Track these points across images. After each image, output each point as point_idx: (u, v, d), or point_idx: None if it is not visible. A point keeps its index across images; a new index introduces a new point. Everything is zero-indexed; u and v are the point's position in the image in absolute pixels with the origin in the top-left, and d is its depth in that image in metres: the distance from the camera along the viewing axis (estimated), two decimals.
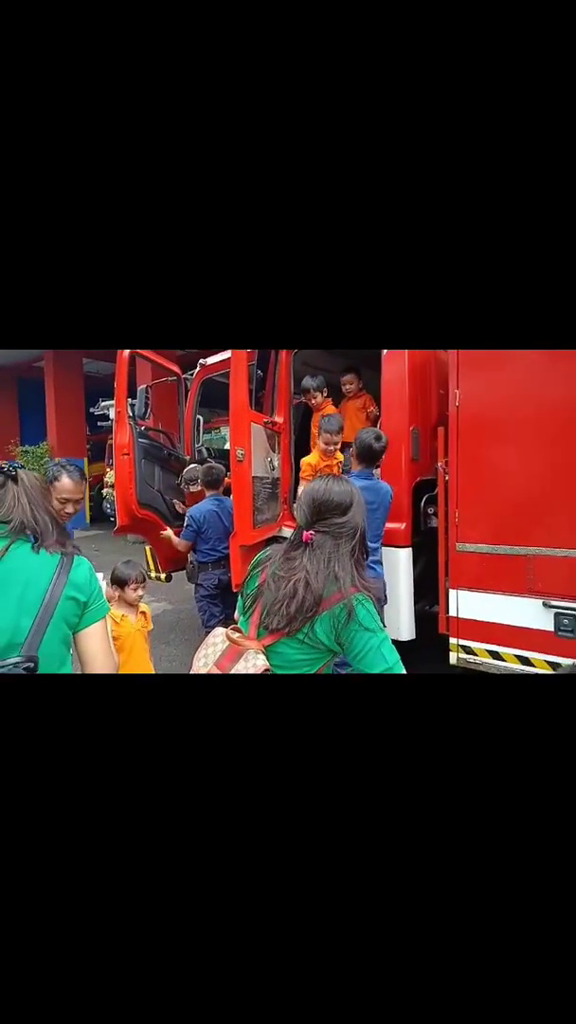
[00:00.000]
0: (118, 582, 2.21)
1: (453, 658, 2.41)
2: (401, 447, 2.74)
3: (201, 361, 4.08)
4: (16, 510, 1.07)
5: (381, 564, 2.48)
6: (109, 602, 2.18)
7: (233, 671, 1.10)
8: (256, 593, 1.24)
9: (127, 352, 3.31)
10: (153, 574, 4.06)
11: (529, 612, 2.17)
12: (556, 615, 2.09)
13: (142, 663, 2.25)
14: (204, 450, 4.48)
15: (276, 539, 3.07)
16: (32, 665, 0.98)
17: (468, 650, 2.37)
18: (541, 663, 2.15)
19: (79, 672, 1.12)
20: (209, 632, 1.30)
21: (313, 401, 3.32)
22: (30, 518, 1.07)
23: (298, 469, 3.41)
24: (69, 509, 1.99)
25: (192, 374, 4.19)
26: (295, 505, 3.33)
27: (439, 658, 2.47)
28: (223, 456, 4.63)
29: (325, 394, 3.33)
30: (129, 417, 3.32)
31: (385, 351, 2.80)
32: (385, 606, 2.50)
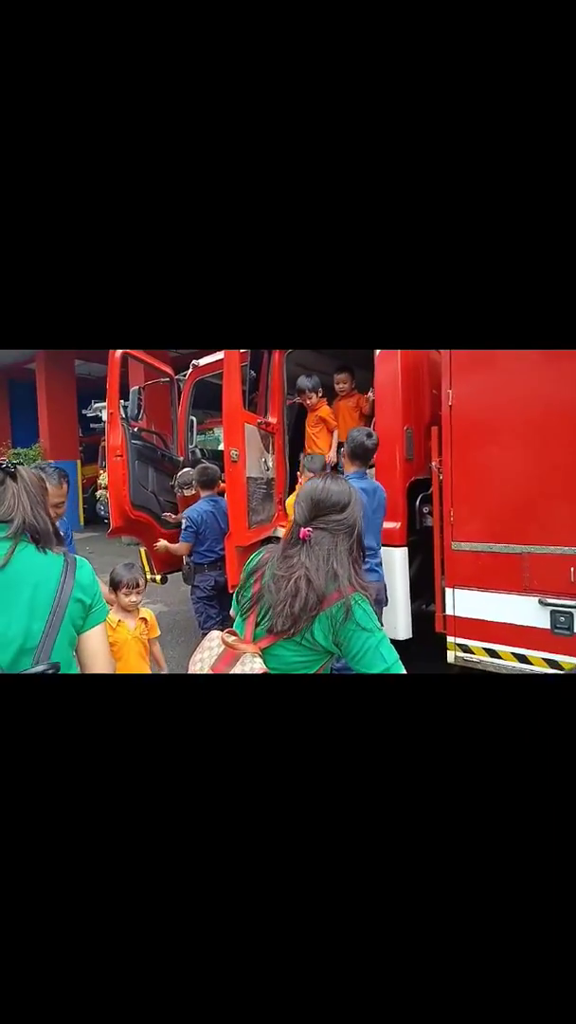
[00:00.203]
0: (113, 585, 2.15)
1: (451, 657, 2.42)
2: (395, 447, 2.75)
3: (194, 362, 4.07)
4: (17, 510, 1.03)
5: (382, 566, 2.47)
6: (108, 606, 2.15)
7: (230, 674, 1.09)
8: (255, 595, 1.23)
9: (119, 353, 3.30)
10: (148, 576, 4.05)
11: (525, 610, 2.17)
12: (552, 612, 2.10)
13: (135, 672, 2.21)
14: (198, 451, 4.46)
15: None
16: (56, 673, 0.97)
17: (465, 648, 2.37)
18: (539, 661, 2.16)
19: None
20: (205, 635, 1.29)
21: (308, 401, 3.31)
22: (31, 518, 1.04)
23: (293, 469, 3.41)
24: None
25: (185, 375, 4.17)
26: (293, 501, 3.34)
27: (436, 657, 2.47)
28: (217, 457, 4.61)
29: (320, 394, 3.33)
30: (122, 419, 3.31)
31: (378, 351, 2.80)
32: (385, 607, 2.50)
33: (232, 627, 1.26)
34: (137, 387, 3.68)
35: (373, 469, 2.92)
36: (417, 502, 2.76)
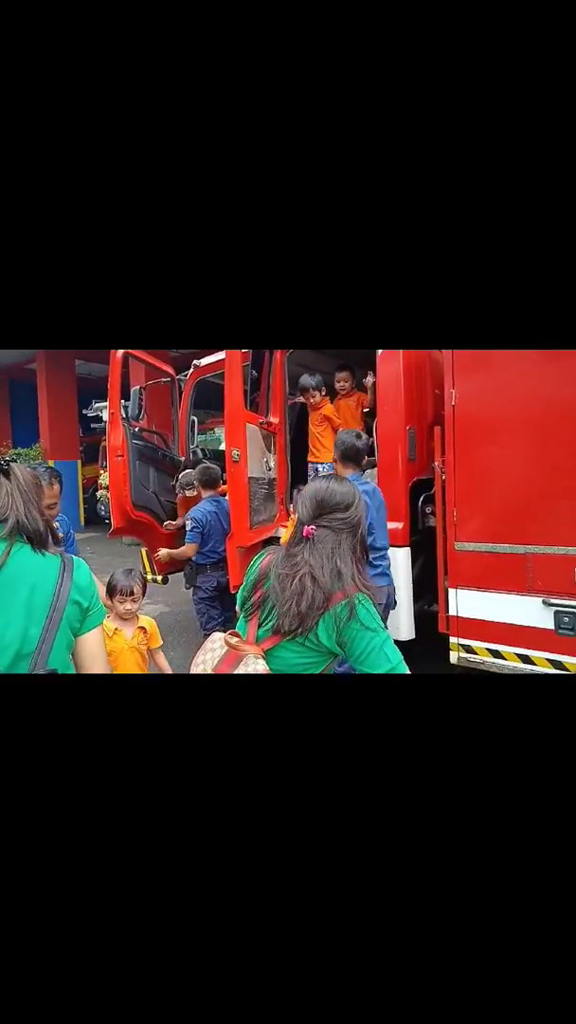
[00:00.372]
0: (108, 591, 2.03)
1: (454, 657, 2.41)
2: (398, 447, 2.74)
3: (195, 362, 4.06)
4: (11, 509, 1.00)
5: (391, 568, 2.44)
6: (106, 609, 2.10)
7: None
8: (258, 598, 1.22)
9: (120, 353, 3.29)
10: (149, 576, 4.04)
11: (529, 610, 2.16)
12: (556, 613, 2.09)
13: None
14: (199, 451, 4.45)
15: (273, 540, 3.06)
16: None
17: (469, 649, 2.36)
18: (542, 661, 2.15)
19: None
20: (207, 636, 1.29)
21: (312, 400, 3.31)
22: (24, 517, 1.01)
23: (295, 470, 3.40)
24: None
25: (186, 375, 4.16)
26: (295, 499, 3.33)
27: (439, 657, 2.46)
28: (218, 457, 4.60)
29: (323, 392, 3.32)
30: (123, 419, 3.30)
31: (380, 351, 2.79)
32: (400, 613, 2.48)
33: (234, 628, 1.25)
34: (138, 387, 3.67)
35: (375, 470, 2.91)
36: (420, 502, 2.75)
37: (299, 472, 3.47)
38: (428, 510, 2.73)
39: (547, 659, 2.14)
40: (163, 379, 4.25)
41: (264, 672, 1.08)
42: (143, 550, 3.87)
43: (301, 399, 3.64)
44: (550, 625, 2.11)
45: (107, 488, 8.87)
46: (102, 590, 2.00)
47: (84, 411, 10.04)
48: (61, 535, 2.07)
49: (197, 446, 4.45)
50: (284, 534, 2.77)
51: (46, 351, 9.58)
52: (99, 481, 9.96)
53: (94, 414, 9.57)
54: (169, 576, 3.89)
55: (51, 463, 9.02)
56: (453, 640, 2.40)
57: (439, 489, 2.51)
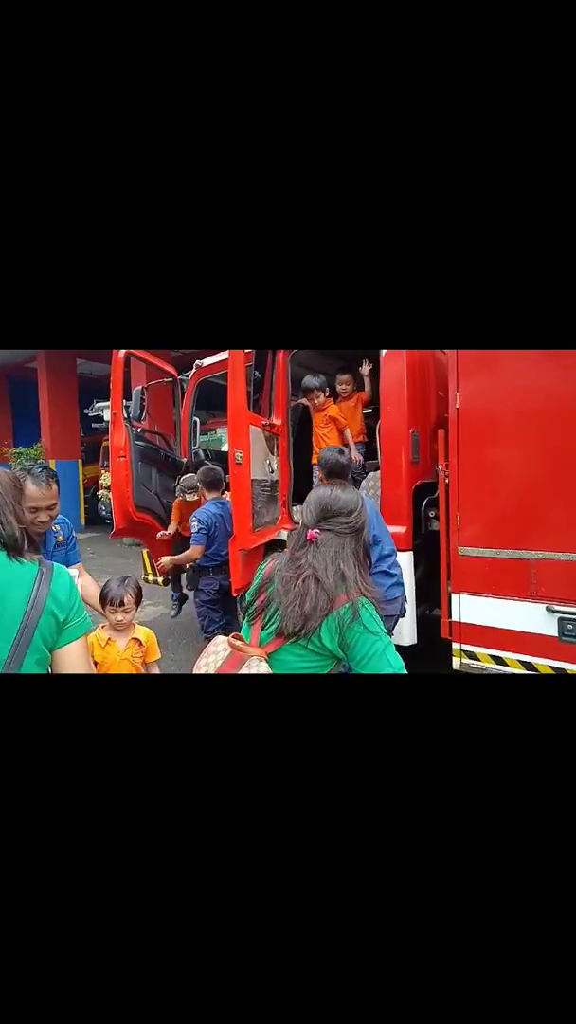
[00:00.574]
0: (100, 599, 1.94)
1: (456, 663, 2.39)
2: (400, 450, 2.72)
3: (197, 362, 4.05)
4: None
5: (402, 583, 2.38)
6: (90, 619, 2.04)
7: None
8: (261, 602, 1.23)
9: (123, 353, 3.27)
10: (150, 578, 4.02)
11: (533, 617, 2.15)
12: (560, 620, 2.07)
13: None
14: (201, 452, 4.44)
15: (276, 542, 3.05)
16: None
17: (471, 655, 2.34)
18: (545, 668, 2.13)
19: None
20: (209, 640, 1.28)
21: (316, 401, 3.29)
22: None
23: (297, 472, 3.38)
24: (42, 518, 1.78)
25: (188, 376, 4.15)
26: (298, 507, 3.32)
27: (442, 663, 2.44)
28: (219, 458, 4.59)
29: (327, 393, 3.31)
30: (125, 419, 3.28)
31: (383, 353, 2.77)
32: (403, 619, 2.46)
33: (237, 632, 1.25)
34: (140, 387, 3.65)
35: (378, 472, 2.90)
36: (423, 506, 2.74)
37: (301, 474, 3.45)
38: (431, 514, 2.71)
39: (550, 666, 2.12)
40: (165, 379, 4.23)
41: (266, 673, 1.09)
42: (144, 551, 3.85)
43: (304, 401, 3.63)
44: (554, 632, 2.09)
45: (108, 488, 8.88)
46: (95, 592, 1.96)
47: (85, 411, 10.02)
48: (62, 537, 2.05)
49: (199, 447, 4.43)
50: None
51: (47, 351, 9.58)
52: (100, 481, 9.95)
53: (95, 414, 9.56)
54: (169, 578, 3.88)
55: (52, 463, 9.01)
56: (456, 646, 2.39)
57: (442, 493, 2.50)
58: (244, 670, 1.10)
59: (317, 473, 2.40)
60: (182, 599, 4.02)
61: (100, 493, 9.89)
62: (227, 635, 1.21)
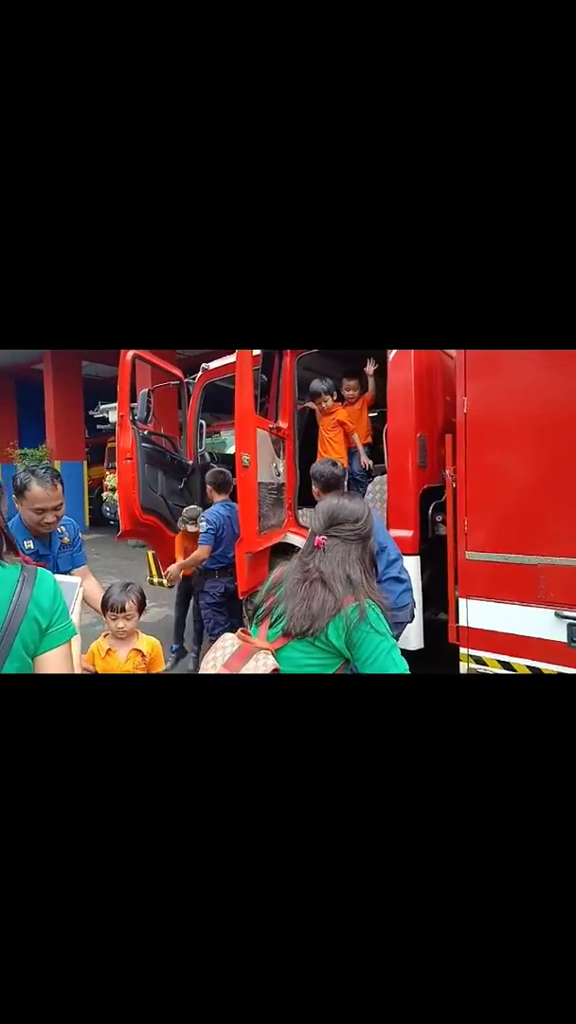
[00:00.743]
0: (101, 605, 1.87)
1: (463, 668, 2.38)
2: (408, 454, 2.72)
3: (204, 365, 4.05)
4: None
5: (412, 589, 2.38)
6: (102, 632, 1.94)
7: (243, 671, 1.11)
8: (271, 603, 1.27)
9: (130, 355, 3.28)
10: (155, 580, 4.02)
11: (541, 622, 2.13)
12: (569, 626, 2.06)
13: None
14: (207, 454, 4.44)
15: (282, 545, 3.04)
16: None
17: (479, 660, 2.33)
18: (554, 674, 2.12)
19: None
20: (216, 639, 1.32)
21: (324, 405, 3.29)
22: None
23: (303, 475, 3.38)
24: (48, 519, 1.76)
25: (194, 378, 4.15)
26: (304, 510, 3.33)
27: (449, 668, 2.43)
28: (225, 461, 4.60)
29: (335, 397, 3.30)
30: (132, 421, 3.29)
31: (391, 357, 2.77)
32: (410, 624, 2.44)
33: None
34: (146, 389, 3.66)
35: (384, 477, 2.89)
36: (430, 510, 2.73)
37: (307, 478, 3.45)
38: (438, 518, 2.71)
39: (559, 672, 2.11)
40: (172, 382, 4.24)
41: (274, 667, 1.11)
42: (149, 553, 3.85)
43: (310, 404, 3.63)
44: (562, 638, 2.08)
45: (113, 490, 8.89)
46: (100, 596, 1.91)
47: (90, 412, 10.07)
48: (68, 538, 2.04)
49: (205, 450, 4.44)
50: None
51: (53, 352, 9.61)
52: (104, 483, 9.97)
53: (100, 415, 9.60)
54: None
55: (57, 464, 9.04)
56: (463, 651, 2.38)
57: (450, 497, 2.49)
58: (252, 663, 1.12)
59: (314, 488, 2.37)
60: (181, 653, 3.83)
61: (105, 495, 9.92)
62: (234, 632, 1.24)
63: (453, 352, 2.88)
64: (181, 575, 3.22)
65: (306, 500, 3.40)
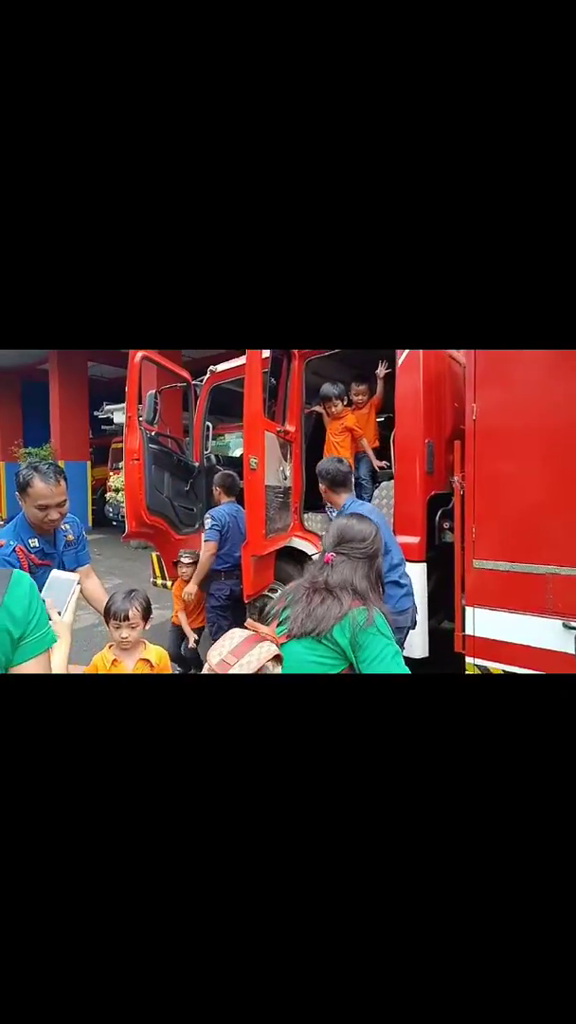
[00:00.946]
0: (104, 614, 1.79)
1: None
2: (415, 460, 2.71)
3: (211, 368, 4.06)
4: None
5: (412, 594, 2.37)
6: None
7: (247, 655, 1.14)
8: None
9: (139, 356, 3.28)
10: (159, 581, 4.01)
11: (548, 632, 2.12)
12: None
13: None
14: (213, 456, 4.44)
15: (288, 549, 3.03)
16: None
17: (484, 670, 2.31)
18: None
19: None
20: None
21: (333, 409, 3.29)
22: None
23: (309, 479, 3.38)
24: (52, 516, 1.74)
25: (202, 380, 4.16)
26: (309, 514, 3.32)
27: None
28: (230, 463, 4.59)
29: (345, 402, 3.31)
30: (139, 422, 3.29)
31: (399, 362, 2.77)
32: (414, 631, 2.44)
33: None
34: (153, 391, 3.66)
35: (392, 482, 2.88)
36: (437, 517, 2.72)
37: (315, 482, 3.44)
38: (446, 525, 2.70)
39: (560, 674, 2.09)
40: (179, 383, 4.24)
41: (275, 653, 1.16)
42: (153, 554, 3.85)
43: (317, 408, 3.63)
44: (570, 648, 2.06)
45: (116, 491, 8.89)
46: (105, 598, 1.86)
47: (95, 413, 10.09)
48: (72, 536, 2.02)
49: (210, 452, 4.43)
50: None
51: (59, 353, 9.65)
52: (108, 483, 9.98)
53: (104, 416, 9.61)
54: None
55: (61, 463, 9.05)
56: (468, 660, 2.36)
57: (458, 504, 2.48)
58: (256, 649, 1.16)
59: (321, 486, 2.37)
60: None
61: (108, 495, 9.92)
62: (243, 628, 1.28)
63: (462, 359, 2.87)
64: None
65: (312, 504, 3.40)
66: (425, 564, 2.65)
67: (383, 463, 3.39)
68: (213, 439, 5.17)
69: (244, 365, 2.72)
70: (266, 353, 2.92)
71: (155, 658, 1.82)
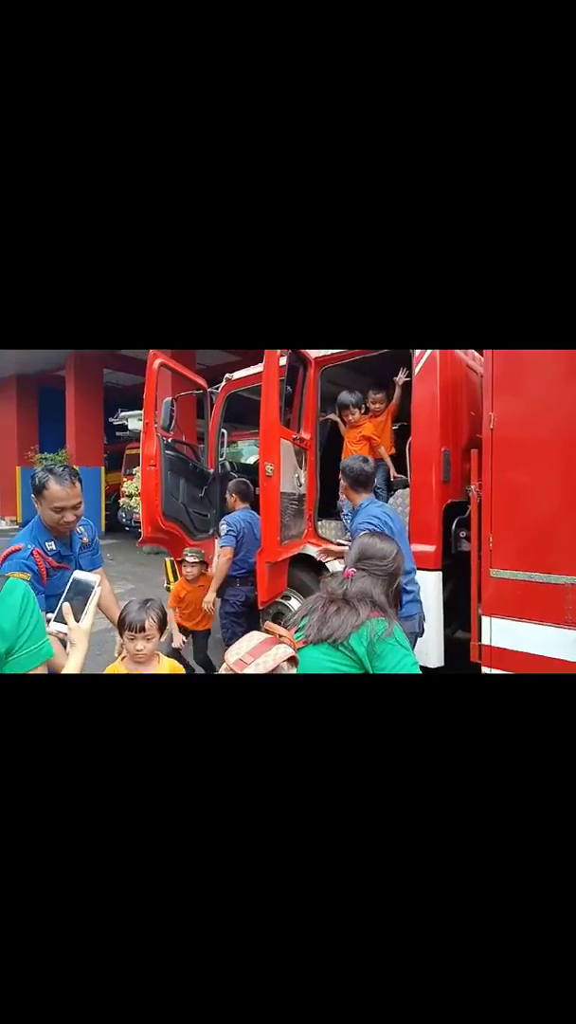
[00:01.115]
0: (118, 625, 1.71)
1: None
2: (432, 468, 2.70)
3: (227, 375, 4.09)
4: None
5: (419, 599, 2.36)
6: (118, 654, 1.83)
7: (263, 656, 1.20)
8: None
9: (157, 363, 3.32)
10: (172, 586, 4.03)
11: (566, 644, 2.09)
12: None
13: None
14: (227, 463, 4.47)
15: (302, 557, 3.03)
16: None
17: None
18: None
19: None
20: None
21: (350, 417, 3.29)
22: None
23: (323, 487, 3.39)
24: (68, 518, 1.73)
25: (218, 388, 4.19)
26: (323, 521, 3.32)
27: None
28: (244, 470, 4.61)
29: (363, 410, 3.31)
30: (156, 428, 3.32)
31: (416, 370, 2.77)
32: (420, 637, 2.42)
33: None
34: (170, 398, 3.70)
35: (408, 490, 2.88)
36: (453, 525, 2.71)
37: (329, 489, 3.45)
38: (462, 534, 2.68)
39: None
40: (195, 390, 4.28)
41: (291, 655, 1.19)
42: (167, 559, 3.87)
43: (332, 416, 3.64)
44: None
45: (130, 496, 8.95)
46: (115, 604, 1.82)
47: (110, 419, 10.20)
48: (87, 539, 2.04)
49: (225, 459, 4.46)
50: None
51: (76, 359, 9.80)
52: (122, 488, 10.06)
53: (119, 422, 9.71)
54: None
55: (75, 468, 9.14)
56: (485, 670, 2.33)
57: (475, 513, 2.47)
58: (273, 650, 1.20)
59: (342, 483, 2.39)
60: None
61: (121, 500, 10.00)
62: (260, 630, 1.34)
63: (479, 368, 2.87)
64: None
65: (326, 512, 3.40)
66: (440, 573, 2.64)
67: (401, 476, 3.39)
68: (227, 446, 5.21)
69: (260, 373, 2.74)
70: (282, 361, 2.94)
71: (169, 672, 1.75)
